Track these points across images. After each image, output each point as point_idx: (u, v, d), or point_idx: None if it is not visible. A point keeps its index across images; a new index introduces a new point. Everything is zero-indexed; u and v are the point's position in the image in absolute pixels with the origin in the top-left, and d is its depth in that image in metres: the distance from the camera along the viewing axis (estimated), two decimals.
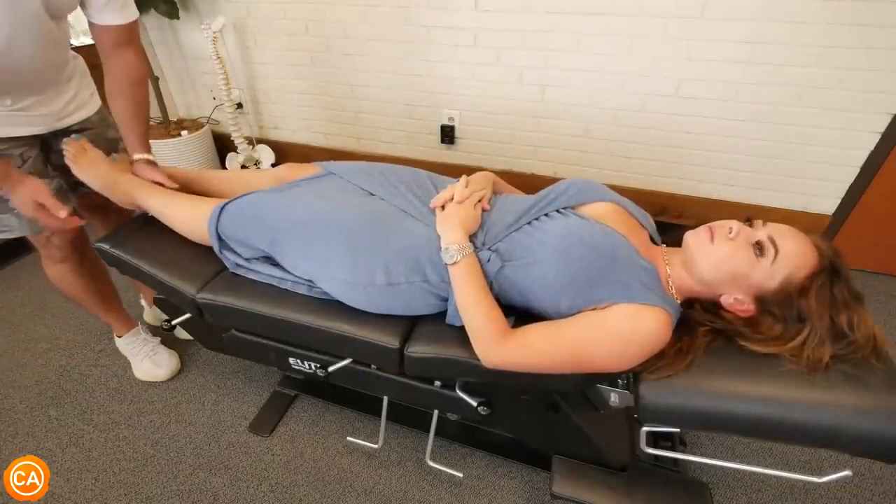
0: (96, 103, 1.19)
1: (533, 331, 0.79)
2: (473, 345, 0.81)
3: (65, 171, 1.11)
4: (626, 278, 0.77)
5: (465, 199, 0.90)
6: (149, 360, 1.46)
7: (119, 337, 1.49)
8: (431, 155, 2.27)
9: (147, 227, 1.15)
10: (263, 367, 1.50)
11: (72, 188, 1.15)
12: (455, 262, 0.82)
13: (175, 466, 1.23)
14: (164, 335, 1.54)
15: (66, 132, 1.12)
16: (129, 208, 1.14)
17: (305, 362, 1.06)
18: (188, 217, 1.07)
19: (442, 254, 0.83)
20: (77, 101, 1.12)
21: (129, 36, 1.05)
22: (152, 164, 1.13)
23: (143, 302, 1.68)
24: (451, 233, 0.84)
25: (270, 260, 1.02)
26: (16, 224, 1.10)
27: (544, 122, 1.99)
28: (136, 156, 1.11)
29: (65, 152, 1.09)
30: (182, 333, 1.59)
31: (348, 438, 1.27)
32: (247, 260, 1.02)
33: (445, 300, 0.88)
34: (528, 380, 0.82)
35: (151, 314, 1.67)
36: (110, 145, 1.21)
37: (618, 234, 0.82)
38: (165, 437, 1.30)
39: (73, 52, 1.11)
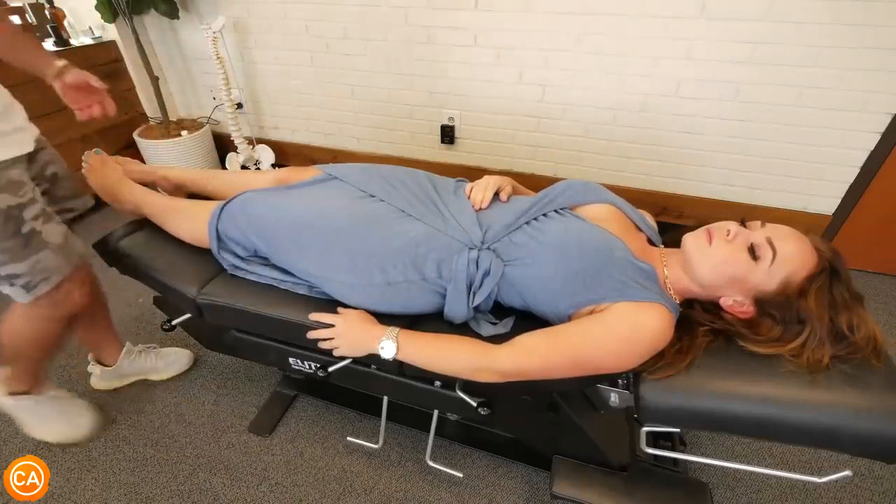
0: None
1: (527, 337, 0.80)
2: (475, 378, 0.81)
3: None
4: (624, 278, 0.77)
5: None
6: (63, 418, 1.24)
7: (36, 393, 1.19)
8: (431, 155, 2.26)
9: (146, 227, 1.15)
10: (263, 367, 1.50)
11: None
12: (397, 349, 0.82)
13: (175, 466, 1.23)
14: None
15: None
16: (131, 217, 1.17)
17: (305, 362, 1.06)
18: (187, 221, 1.08)
19: (382, 355, 0.83)
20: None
21: None
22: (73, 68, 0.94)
23: (90, 366, 1.38)
24: (364, 338, 0.85)
25: (268, 261, 1.02)
26: (52, 260, 0.92)
27: (544, 122, 1.99)
28: (57, 63, 0.92)
29: (83, 163, 1.14)
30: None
31: (348, 438, 1.26)
32: (244, 260, 1.02)
33: (444, 297, 0.88)
34: (528, 380, 0.82)
35: (101, 380, 1.39)
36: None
37: (614, 236, 0.82)
38: (165, 437, 1.30)
39: None
